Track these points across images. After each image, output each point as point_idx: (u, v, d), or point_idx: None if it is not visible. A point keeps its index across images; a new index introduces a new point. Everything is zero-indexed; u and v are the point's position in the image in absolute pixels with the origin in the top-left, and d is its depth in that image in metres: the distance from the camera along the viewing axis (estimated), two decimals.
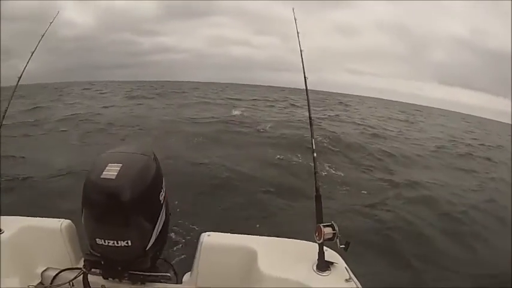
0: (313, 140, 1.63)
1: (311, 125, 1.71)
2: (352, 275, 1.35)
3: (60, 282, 1.59)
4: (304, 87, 1.87)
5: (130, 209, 1.34)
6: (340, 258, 1.46)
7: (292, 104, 22.92)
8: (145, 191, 1.39)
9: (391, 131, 15.83)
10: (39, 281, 1.64)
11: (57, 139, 9.15)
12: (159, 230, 1.50)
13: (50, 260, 1.69)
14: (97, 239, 1.38)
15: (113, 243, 1.36)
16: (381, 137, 12.96)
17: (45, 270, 1.66)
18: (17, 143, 7.80)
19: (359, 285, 1.31)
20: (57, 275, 1.62)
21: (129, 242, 1.37)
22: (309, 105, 1.81)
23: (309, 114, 1.75)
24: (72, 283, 1.53)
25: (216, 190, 5.54)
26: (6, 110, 1.90)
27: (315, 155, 1.60)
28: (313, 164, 1.58)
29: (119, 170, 1.35)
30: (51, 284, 1.61)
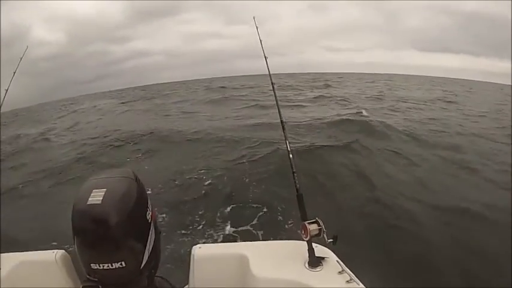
0: (287, 141, 1.70)
1: (283, 128, 1.77)
2: (344, 267, 1.39)
3: None
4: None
5: (119, 231, 1.35)
6: (331, 252, 1.50)
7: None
8: (131, 212, 1.40)
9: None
10: None
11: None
12: (150, 248, 1.50)
13: None
14: (92, 264, 1.37)
15: (108, 266, 1.36)
16: None
17: None
18: None
19: (352, 276, 1.35)
20: None
21: (123, 263, 1.37)
22: (278, 108, 1.88)
23: (280, 118, 1.81)
24: None
25: None
26: None
27: (290, 156, 1.66)
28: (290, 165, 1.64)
29: (104, 194, 1.36)
30: None
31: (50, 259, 1.67)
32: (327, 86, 30.33)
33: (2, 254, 1.71)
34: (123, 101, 28.63)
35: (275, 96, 1.93)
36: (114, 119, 18.04)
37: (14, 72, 2.16)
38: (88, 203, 1.34)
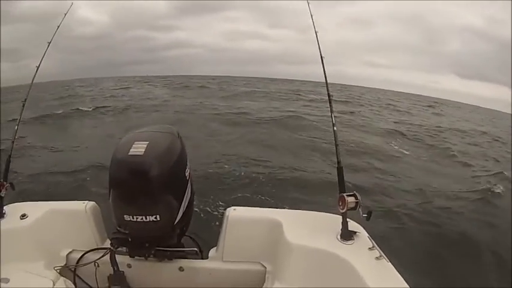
0: (332, 114, 1.65)
1: (330, 101, 1.72)
2: (374, 244, 1.39)
3: (85, 263, 1.62)
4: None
5: (158, 184, 1.37)
6: (362, 228, 1.51)
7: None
8: (172, 166, 1.42)
9: None
10: (64, 263, 1.67)
11: None
12: (185, 206, 1.53)
13: (75, 242, 1.71)
14: (125, 216, 1.39)
15: (142, 218, 1.38)
16: None
17: (70, 252, 1.70)
18: None
19: (382, 254, 1.35)
20: (82, 256, 1.65)
21: (158, 216, 1.39)
22: (326, 82, 1.82)
23: (327, 91, 1.76)
24: (97, 263, 1.57)
25: None
26: (25, 99, 1.95)
27: (335, 128, 1.63)
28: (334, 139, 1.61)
29: (146, 146, 1.37)
30: (76, 265, 1.65)
31: (80, 209, 1.71)
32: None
33: (32, 202, 1.78)
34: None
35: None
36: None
37: (53, 35, 2.18)
38: (129, 153, 1.35)
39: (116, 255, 1.54)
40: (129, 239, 1.49)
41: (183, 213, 1.52)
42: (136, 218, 1.38)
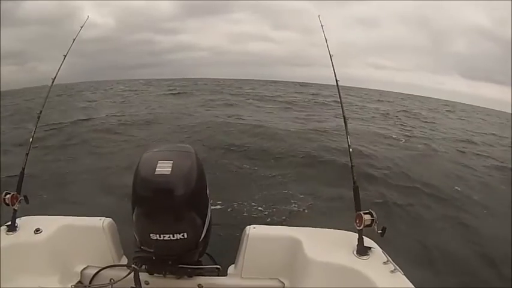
0: (347, 136, 1.74)
1: (345, 123, 1.80)
2: (389, 258, 1.46)
3: (100, 280, 1.64)
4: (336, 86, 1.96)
5: (185, 202, 1.40)
6: (376, 244, 1.58)
7: None
8: (195, 185, 1.45)
9: None
10: (79, 279, 1.68)
11: None
12: (208, 223, 1.57)
13: (90, 258, 1.72)
14: (151, 234, 1.40)
15: (169, 236, 1.40)
16: None
17: (84, 268, 1.71)
18: None
19: (396, 267, 1.41)
20: (98, 272, 1.66)
21: (185, 234, 1.42)
22: (341, 104, 1.91)
23: (343, 113, 1.84)
24: (113, 279, 1.58)
25: None
26: (41, 111, 1.97)
27: (350, 149, 1.71)
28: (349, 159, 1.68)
29: (171, 166, 1.39)
30: (90, 282, 1.65)
31: (96, 225, 1.72)
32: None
33: (47, 216, 1.78)
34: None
35: (338, 92, 1.94)
36: None
37: (69, 49, 2.20)
38: (156, 173, 1.37)
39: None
40: (153, 257, 1.51)
41: (207, 230, 1.56)
42: (164, 237, 1.40)
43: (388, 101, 31.92)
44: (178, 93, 25.46)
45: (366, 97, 35.31)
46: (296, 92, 30.68)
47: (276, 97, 23.81)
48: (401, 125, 15.46)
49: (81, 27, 2.29)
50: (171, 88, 30.85)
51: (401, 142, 11.15)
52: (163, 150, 1.57)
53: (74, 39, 2.21)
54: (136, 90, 29.10)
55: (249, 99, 22.02)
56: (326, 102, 21.58)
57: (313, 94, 29.58)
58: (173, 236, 1.41)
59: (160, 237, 1.40)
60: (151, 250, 1.47)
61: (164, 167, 1.39)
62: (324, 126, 11.95)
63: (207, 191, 1.61)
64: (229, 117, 13.28)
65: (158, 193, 1.38)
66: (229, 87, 35.57)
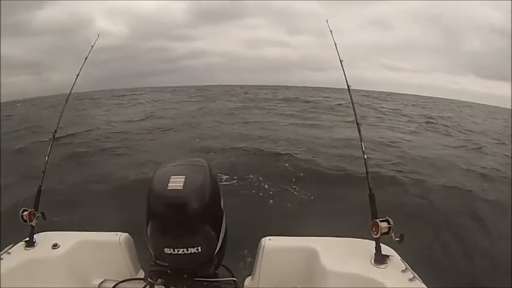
0: (362, 142, 1.72)
1: (359, 130, 1.78)
2: (408, 266, 1.44)
3: None
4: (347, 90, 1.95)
5: (198, 216, 1.41)
6: (395, 252, 1.55)
7: None
8: (209, 199, 1.45)
9: None
10: None
11: None
12: (223, 236, 1.56)
13: (107, 272, 1.75)
14: (165, 249, 1.41)
15: (183, 250, 1.41)
16: None
17: (102, 282, 1.74)
18: None
19: (415, 275, 1.39)
20: (114, 286, 1.69)
21: (199, 248, 1.42)
22: (354, 109, 1.90)
23: (356, 119, 1.82)
24: None
25: None
26: (56, 130, 2.02)
27: (365, 156, 1.68)
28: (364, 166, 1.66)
29: (184, 181, 1.41)
30: None
31: (113, 240, 1.75)
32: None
33: (64, 232, 1.82)
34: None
35: (351, 98, 1.93)
36: None
37: (86, 58, 2.27)
38: (169, 188, 1.39)
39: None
40: (168, 271, 1.51)
41: (222, 243, 1.55)
42: (177, 251, 1.41)
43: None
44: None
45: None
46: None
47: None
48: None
49: (92, 46, 2.34)
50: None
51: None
52: (176, 165, 1.58)
53: (86, 58, 2.26)
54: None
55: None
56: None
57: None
58: (187, 250, 1.41)
59: (174, 251, 1.41)
60: (166, 264, 1.48)
61: (176, 182, 1.40)
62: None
63: (222, 204, 1.60)
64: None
65: (171, 208, 1.40)
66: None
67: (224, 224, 1.60)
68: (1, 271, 1.51)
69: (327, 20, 2.28)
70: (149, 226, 1.45)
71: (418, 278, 1.37)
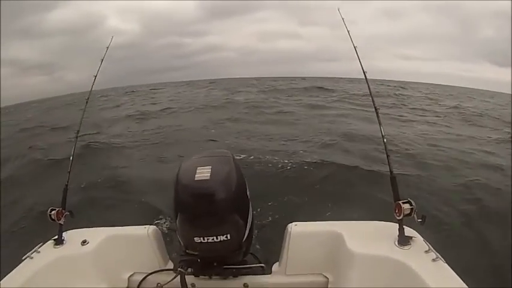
0: (381, 127, 1.73)
1: (377, 114, 1.79)
2: (430, 247, 1.45)
3: (147, 285, 1.69)
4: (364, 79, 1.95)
5: (226, 204, 1.44)
6: (417, 233, 1.57)
7: None
8: (236, 188, 1.49)
9: None
10: (126, 286, 1.75)
11: None
12: (250, 224, 1.60)
13: (137, 265, 1.77)
14: (195, 238, 1.45)
15: (213, 239, 1.44)
16: None
17: (131, 275, 1.77)
18: None
19: (438, 255, 1.40)
20: (144, 278, 1.72)
21: (228, 236, 1.46)
22: (371, 95, 1.92)
23: (373, 104, 1.84)
24: (160, 284, 1.64)
25: None
26: (78, 131, 2.04)
27: (385, 140, 1.70)
28: (384, 149, 1.68)
29: (210, 171, 1.44)
30: (138, 287, 1.71)
31: (141, 234, 1.78)
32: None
33: (93, 228, 1.85)
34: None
35: (367, 83, 1.94)
36: None
37: (102, 60, 2.27)
38: (196, 179, 1.43)
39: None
40: (198, 260, 1.57)
41: (249, 230, 1.60)
42: (207, 239, 1.45)
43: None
44: None
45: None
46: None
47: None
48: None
49: (107, 48, 2.37)
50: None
51: None
52: (202, 157, 1.63)
53: (102, 60, 2.29)
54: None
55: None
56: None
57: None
58: (217, 238, 1.45)
59: (204, 239, 1.45)
60: (196, 253, 1.53)
61: (203, 173, 1.45)
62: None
63: (247, 193, 1.64)
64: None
65: (199, 198, 1.44)
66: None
67: (251, 212, 1.64)
68: (32, 269, 1.54)
69: (338, 8, 2.28)
70: (178, 217, 1.49)
71: (441, 258, 1.39)
